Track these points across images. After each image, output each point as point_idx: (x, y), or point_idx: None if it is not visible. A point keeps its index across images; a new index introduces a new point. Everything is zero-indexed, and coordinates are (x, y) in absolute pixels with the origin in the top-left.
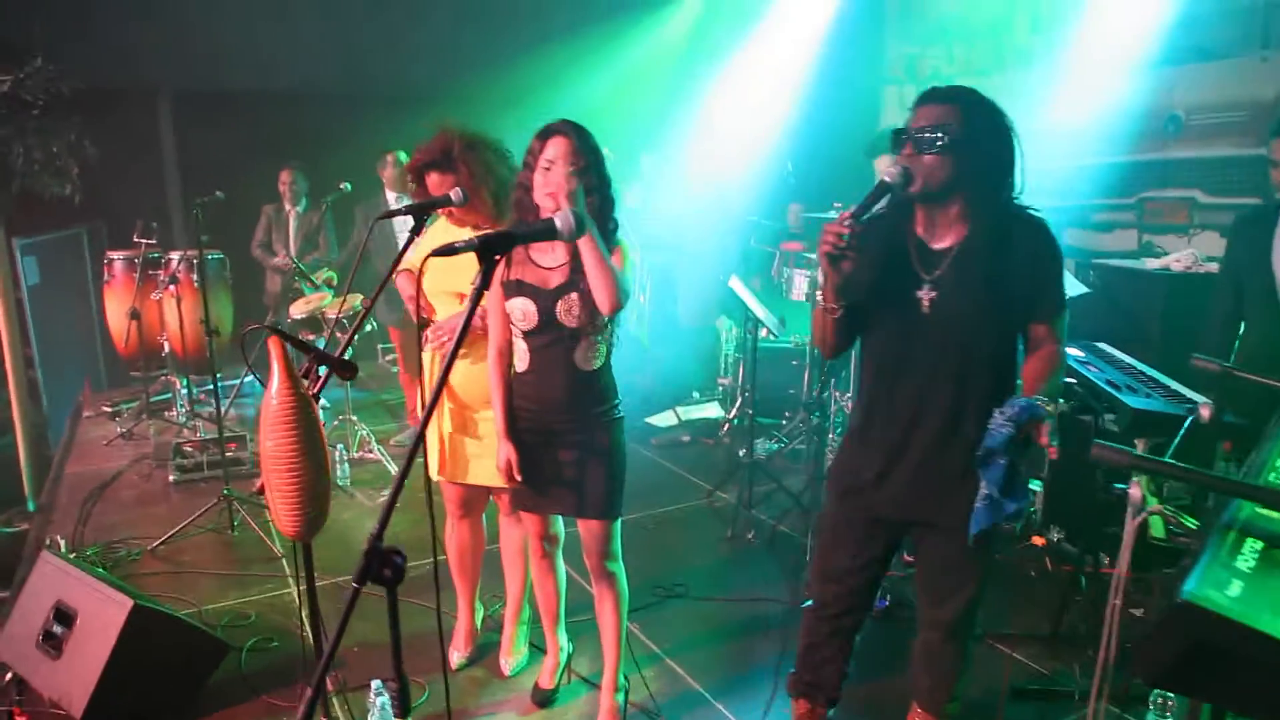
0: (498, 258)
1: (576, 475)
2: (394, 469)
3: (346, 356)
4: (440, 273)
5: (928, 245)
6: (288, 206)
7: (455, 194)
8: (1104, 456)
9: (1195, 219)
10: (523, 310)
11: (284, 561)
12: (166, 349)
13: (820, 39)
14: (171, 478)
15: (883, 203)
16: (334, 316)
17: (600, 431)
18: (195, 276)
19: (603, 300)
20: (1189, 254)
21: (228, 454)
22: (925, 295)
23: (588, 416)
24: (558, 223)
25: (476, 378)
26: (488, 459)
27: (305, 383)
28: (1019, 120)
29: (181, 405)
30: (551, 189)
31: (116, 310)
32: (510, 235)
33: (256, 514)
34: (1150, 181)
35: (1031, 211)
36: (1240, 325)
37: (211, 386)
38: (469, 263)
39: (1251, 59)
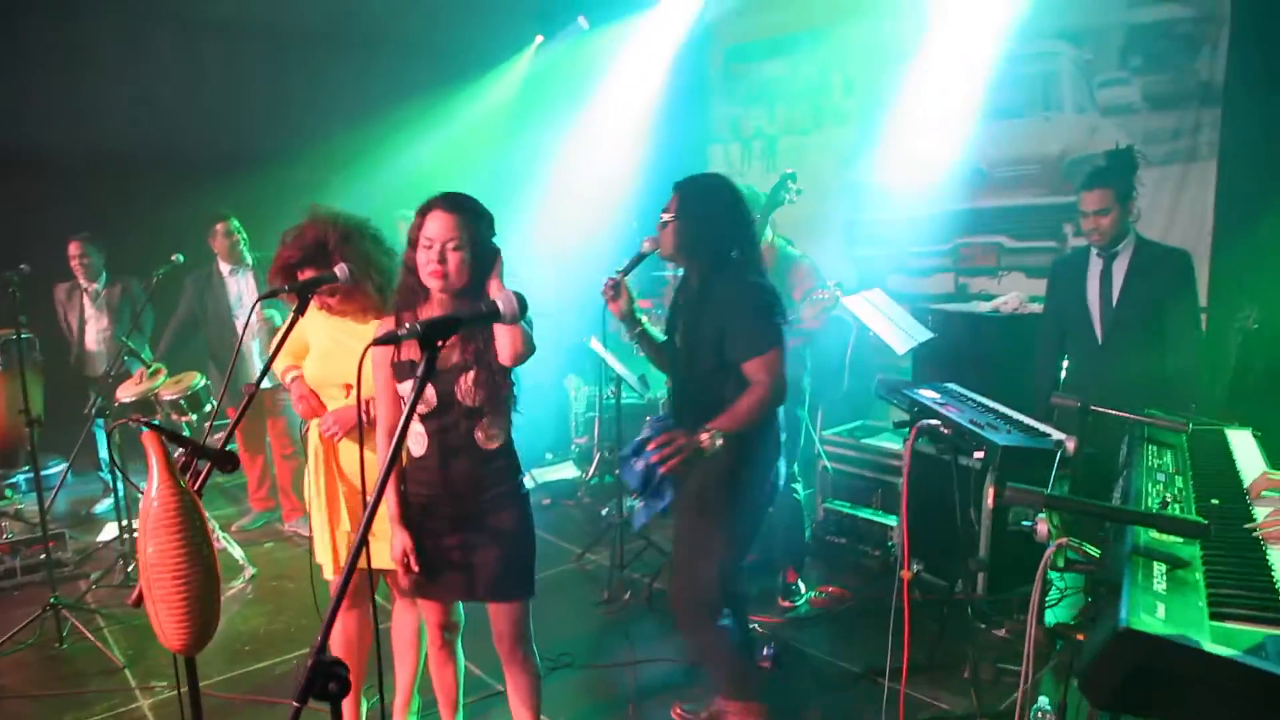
0: (440, 344)
1: (483, 558)
2: (240, 555)
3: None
4: (322, 361)
5: (678, 296)
6: (83, 283)
7: (341, 270)
8: (1018, 499)
9: (1003, 262)
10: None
11: (127, 673)
12: None
13: (651, 101)
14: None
15: (638, 264)
16: (170, 398)
17: (507, 509)
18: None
19: (507, 352)
20: (1015, 296)
21: (43, 558)
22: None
23: (493, 496)
24: (501, 306)
25: (370, 463)
26: (381, 543)
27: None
28: (837, 175)
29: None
30: (433, 269)
31: None
32: (455, 320)
33: (89, 621)
34: (962, 229)
35: (749, 272)
36: (1063, 360)
37: (16, 480)
38: (353, 352)
39: (1036, 119)
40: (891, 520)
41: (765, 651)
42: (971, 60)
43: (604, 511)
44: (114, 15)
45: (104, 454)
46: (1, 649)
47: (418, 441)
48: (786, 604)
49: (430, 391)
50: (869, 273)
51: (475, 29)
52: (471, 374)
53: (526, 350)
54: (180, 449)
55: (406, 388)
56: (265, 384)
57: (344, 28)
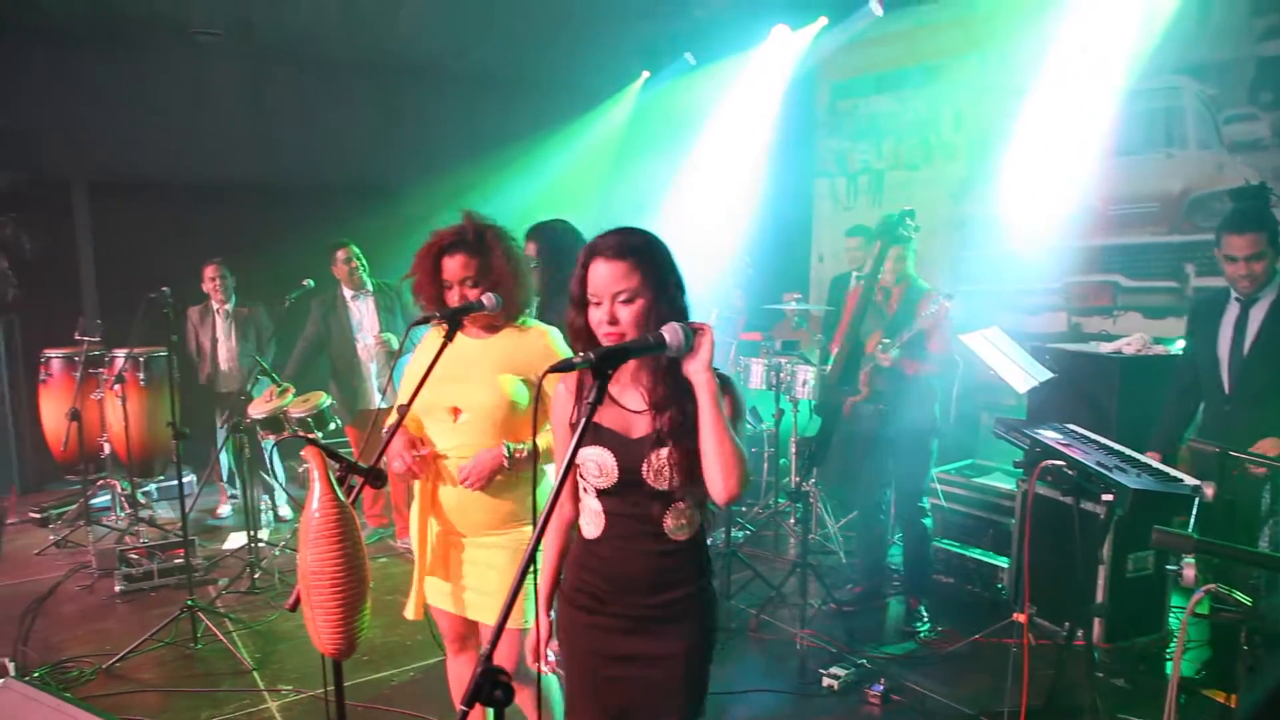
0: (610, 373)
1: (653, 671)
2: None
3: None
4: (429, 384)
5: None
6: (216, 304)
7: (488, 299)
8: (1167, 542)
9: (1119, 301)
10: (598, 464)
11: (255, 675)
12: (107, 450)
13: (757, 136)
14: (118, 587)
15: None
16: (298, 415)
17: (689, 616)
18: (141, 375)
19: (718, 487)
20: (1139, 337)
21: (177, 560)
22: None
23: (675, 599)
24: (667, 337)
25: (473, 502)
26: (490, 597)
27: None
28: (946, 210)
29: (122, 509)
30: (605, 332)
31: (54, 411)
32: (624, 350)
33: (220, 624)
34: (1075, 267)
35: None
36: (1198, 403)
37: (149, 489)
38: (465, 374)
39: (1158, 155)
40: (1002, 561)
41: (875, 688)
42: (1089, 95)
43: (709, 541)
44: (239, 58)
45: (225, 466)
46: (143, 645)
47: (592, 521)
48: (907, 629)
49: (611, 463)
50: (976, 310)
51: (581, 66)
52: (665, 450)
53: (744, 478)
54: (335, 464)
55: (588, 455)
56: (382, 404)
57: (453, 66)
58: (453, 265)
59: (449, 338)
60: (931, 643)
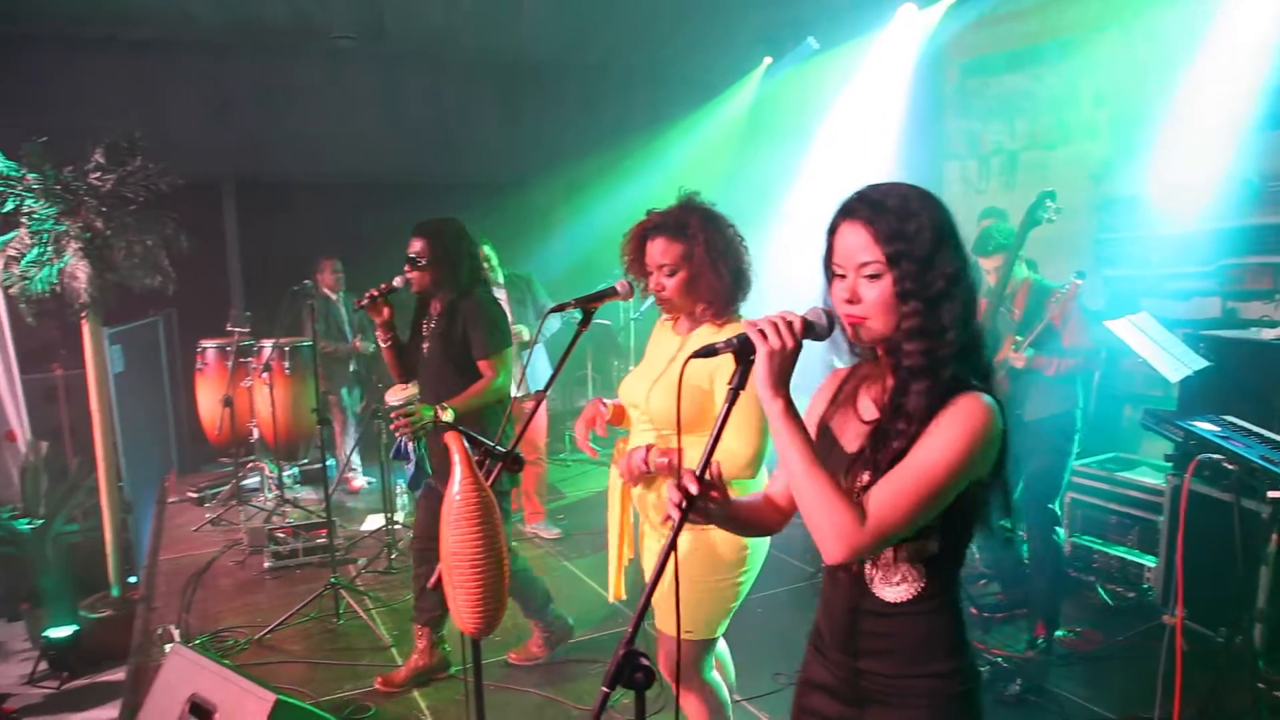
0: (751, 358)
1: None
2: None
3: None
4: (630, 376)
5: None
6: (331, 295)
7: (621, 287)
8: None
9: None
10: None
11: (393, 651)
12: (255, 435)
13: (884, 119)
14: (267, 564)
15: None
16: None
17: (909, 705)
18: (286, 364)
19: (828, 544)
20: None
21: (319, 540)
22: None
23: (887, 676)
24: (811, 319)
25: (654, 496)
26: (666, 600)
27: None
28: (1086, 191)
29: (270, 491)
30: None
31: (208, 398)
32: None
33: (360, 602)
34: (1231, 248)
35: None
36: None
37: (293, 471)
38: (658, 365)
39: None
40: (1149, 560)
41: (1013, 687)
42: (1243, 64)
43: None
44: (373, 60)
45: (347, 450)
46: (290, 619)
47: None
48: (1029, 654)
49: None
50: (1119, 295)
51: (701, 55)
52: (867, 477)
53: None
54: (475, 450)
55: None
56: (516, 393)
57: (573, 61)
58: (654, 250)
59: (583, 324)
60: (1070, 643)
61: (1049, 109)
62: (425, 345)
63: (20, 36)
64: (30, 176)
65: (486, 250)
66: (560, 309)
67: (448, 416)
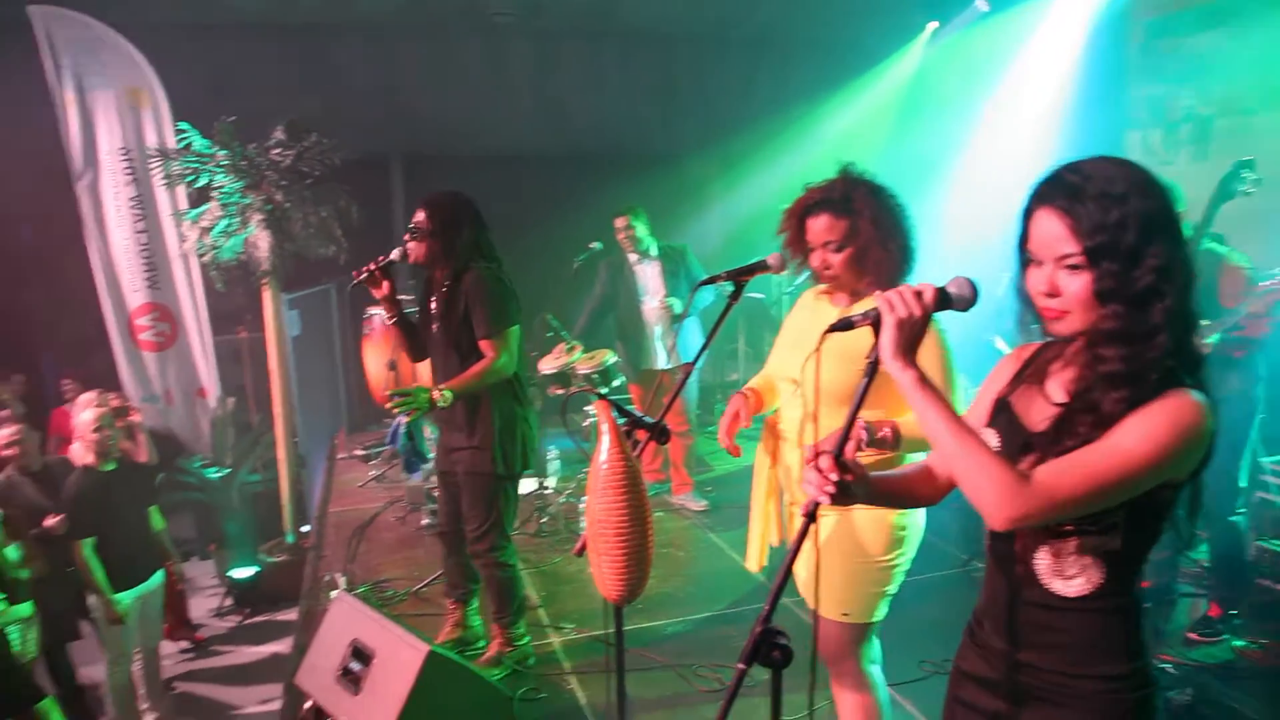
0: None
1: None
2: None
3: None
4: (778, 350)
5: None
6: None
7: (773, 259)
8: None
9: None
10: None
11: (541, 612)
12: None
13: (1060, 85)
14: (425, 521)
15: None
16: (584, 372)
17: (1070, 706)
18: None
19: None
20: None
21: None
22: None
23: (1050, 673)
24: (953, 291)
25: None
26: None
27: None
28: None
29: (431, 452)
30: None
31: (376, 361)
32: None
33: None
34: None
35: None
36: None
37: None
38: (811, 340)
39: None
40: None
41: (1182, 697)
42: None
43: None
44: (531, 35)
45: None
46: (443, 575)
47: None
48: (1194, 636)
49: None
50: None
51: (863, 22)
52: (1043, 459)
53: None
54: (623, 419)
55: (991, 444)
56: (665, 365)
57: (731, 32)
58: (816, 226)
59: (734, 297)
60: (1253, 655)
61: (1251, 70)
62: (434, 325)
63: (204, 28)
64: (221, 154)
65: (637, 223)
66: (711, 281)
67: (443, 401)
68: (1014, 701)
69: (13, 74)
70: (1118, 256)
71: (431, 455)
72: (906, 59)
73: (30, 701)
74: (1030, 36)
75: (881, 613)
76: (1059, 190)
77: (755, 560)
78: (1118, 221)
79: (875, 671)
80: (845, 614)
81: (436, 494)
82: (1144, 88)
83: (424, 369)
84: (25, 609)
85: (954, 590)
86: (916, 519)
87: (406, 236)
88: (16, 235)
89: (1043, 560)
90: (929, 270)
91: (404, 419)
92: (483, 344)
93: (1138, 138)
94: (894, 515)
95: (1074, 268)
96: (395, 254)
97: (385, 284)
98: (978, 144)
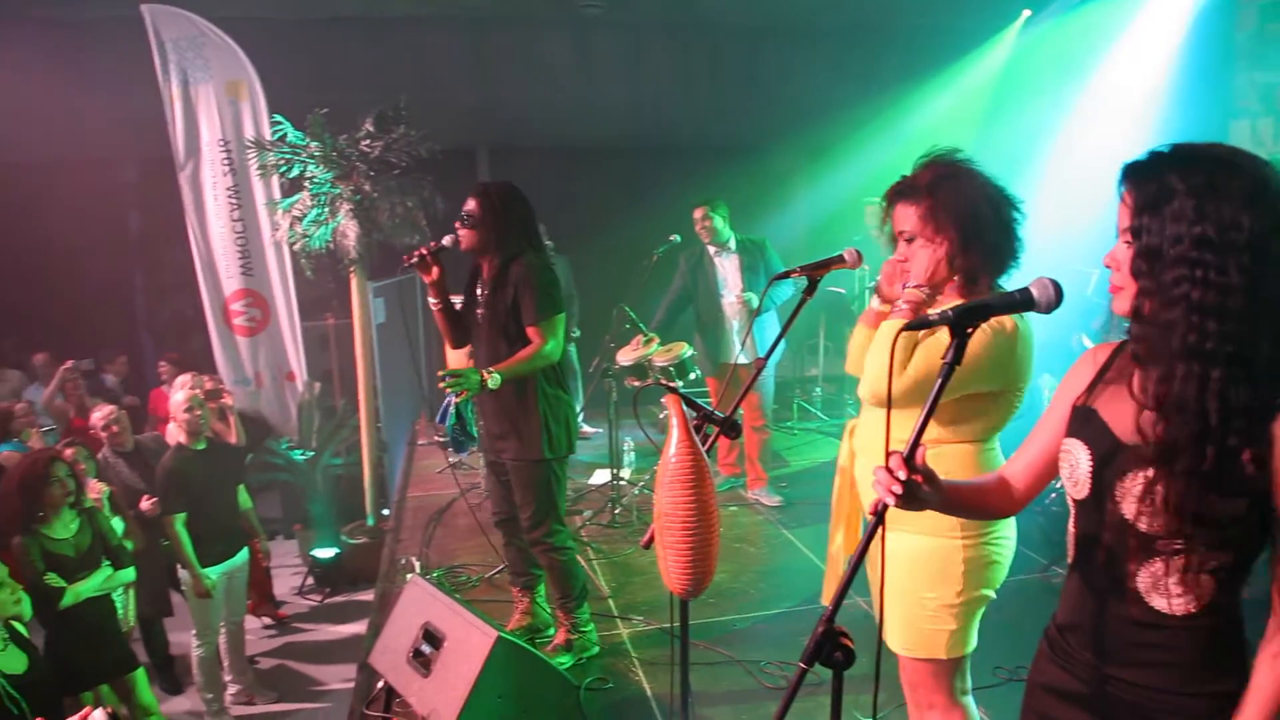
0: (969, 331)
1: None
2: None
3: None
4: (859, 351)
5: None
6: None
7: (849, 254)
8: None
9: None
10: (1072, 463)
11: (610, 602)
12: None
13: (1161, 73)
14: None
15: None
16: (661, 364)
17: None
18: None
19: None
20: None
21: None
22: None
23: (1156, 691)
24: (1035, 292)
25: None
26: (889, 615)
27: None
28: None
29: (478, 433)
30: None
31: (456, 350)
32: (986, 306)
33: (583, 552)
34: None
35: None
36: None
37: None
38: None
39: None
40: None
41: None
42: None
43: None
44: (618, 27)
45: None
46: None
47: (1070, 538)
48: None
49: (1086, 468)
50: None
51: (954, 9)
52: (1152, 473)
53: None
54: (693, 413)
55: (1069, 448)
56: (742, 360)
57: (820, 22)
58: (899, 216)
59: (808, 292)
60: None
61: None
62: (480, 311)
63: (301, 22)
64: (313, 145)
65: (715, 215)
66: (785, 276)
67: (493, 383)
68: (1104, 716)
69: (124, 69)
70: (1157, 235)
71: (479, 435)
72: (999, 47)
73: (126, 669)
74: (1130, 22)
75: (958, 650)
76: (1135, 163)
77: (828, 594)
78: (1169, 202)
79: (970, 703)
80: (906, 649)
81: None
82: (1254, 74)
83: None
84: (129, 574)
85: (1033, 596)
86: (987, 551)
87: (458, 224)
88: (124, 223)
89: (1146, 576)
90: (1027, 267)
91: (454, 399)
92: (530, 330)
93: (1245, 126)
94: (962, 547)
95: (1128, 242)
96: (447, 240)
97: (435, 269)
98: (1070, 136)
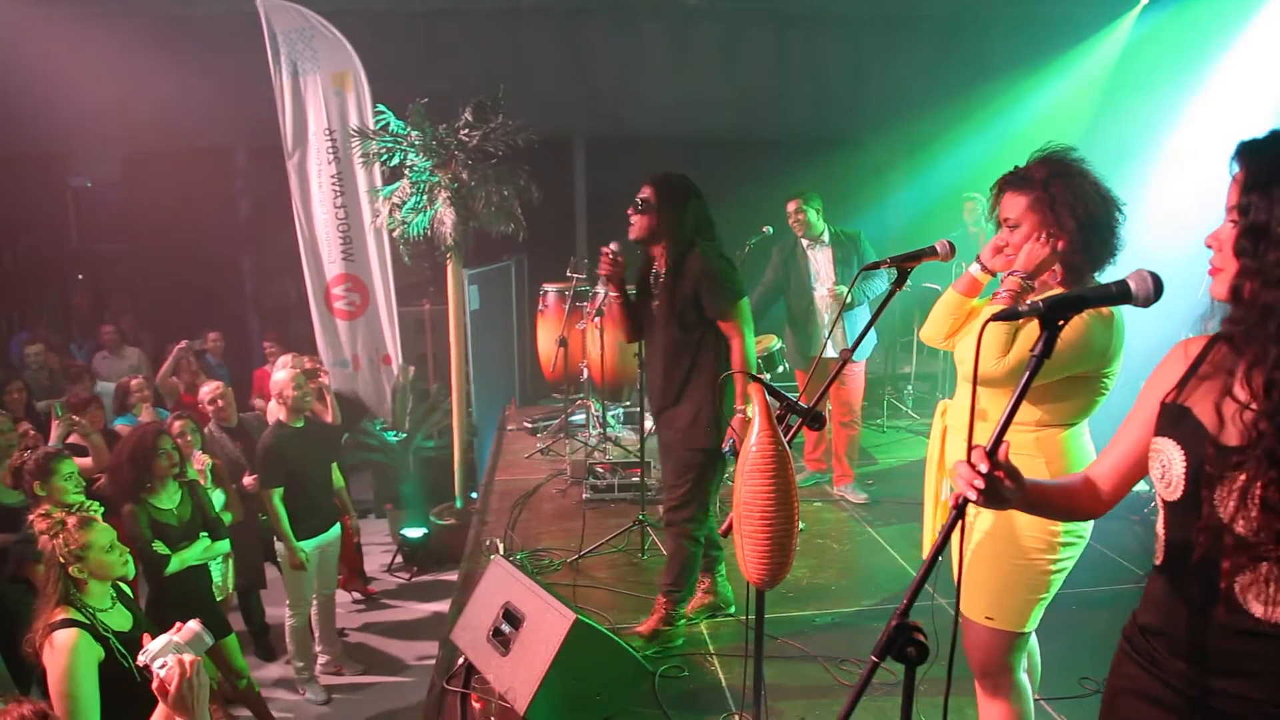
0: (1061, 323)
1: None
2: None
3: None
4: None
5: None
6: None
7: (942, 247)
8: None
9: None
10: (1164, 463)
11: None
12: (585, 375)
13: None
14: (585, 495)
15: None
16: None
17: None
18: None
19: None
20: None
21: (633, 478)
22: None
23: (1262, 702)
24: (1133, 285)
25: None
26: (976, 591)
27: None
28: None
29: (594, 428)
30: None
31: (547, 337)
32: (1079, 298)
33: (663, 541)
34: None
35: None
36: None
37: (617, 411)
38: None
39: None
40: None
41: None
42: None
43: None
44: (718, 19)
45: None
46: (600, 548)
47: (1158, 541)
48: None
49: (1180, 468)
50: None
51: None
52: (1247, 474)
53: None
54: (776, 403)
55: (1160, 447)
56: (830, 353)
57: (925, 10)
58: (1006, 204)
59: (897, 284)
60: None
61: None
62: (655, 303)
63: (403, 15)
64: (413, 134)
65: (809, 207)
66: (874, 267)
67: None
68: None
69: (238, 62)
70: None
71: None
72: (1114, 36)
73: (219, 634)
74: (1254, 13)
75: (1034, 621)
76: (1251, 141)
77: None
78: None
79: (1025, 681)
80: (989, 619)
81: (599, 469)
82: None
83: (592, 347)
84: (224, 545)
85: (1125, 606)
86: (1082, 525)
87: (630, 210)
88: (234, 209)
89: (1244, 581)
90: (1124, 262)
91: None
92: (723, 325)
93: None
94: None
95: (1234, 221)
96: (614, 245)
97: (621, 264)
98: (1184, 130)
